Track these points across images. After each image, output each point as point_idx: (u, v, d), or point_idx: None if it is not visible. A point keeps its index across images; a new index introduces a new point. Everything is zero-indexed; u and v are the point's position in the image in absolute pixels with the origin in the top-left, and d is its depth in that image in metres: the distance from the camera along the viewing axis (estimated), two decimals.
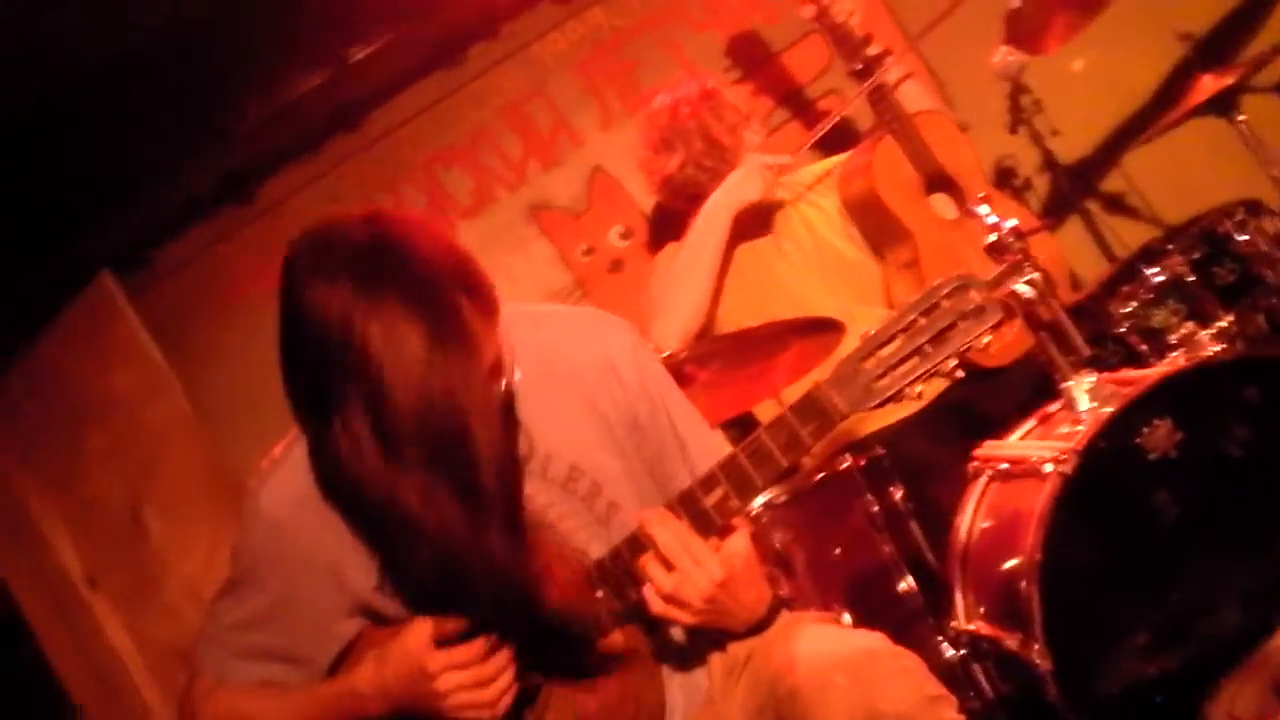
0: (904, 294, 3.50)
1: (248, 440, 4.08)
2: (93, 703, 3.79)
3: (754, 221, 3.65)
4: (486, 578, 1.91)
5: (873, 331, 1.96)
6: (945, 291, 1.95)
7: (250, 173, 4.08)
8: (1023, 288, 2.53)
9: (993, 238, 2.58)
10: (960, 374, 1.99)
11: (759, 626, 2.11)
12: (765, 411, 3.51)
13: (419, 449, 1.83)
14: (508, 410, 2.01)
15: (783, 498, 2.99)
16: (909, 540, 3.06)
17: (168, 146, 3.91)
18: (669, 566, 1.96)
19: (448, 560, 1.89)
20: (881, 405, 1.97)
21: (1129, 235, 4.11)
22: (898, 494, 3.09)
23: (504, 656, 2.03)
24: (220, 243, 4.21)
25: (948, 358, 1.94)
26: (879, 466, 3.10)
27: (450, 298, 1.86)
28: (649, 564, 1.97)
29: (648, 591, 1.98)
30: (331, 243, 1.89)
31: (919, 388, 1.96)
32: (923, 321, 1.94)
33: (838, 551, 3.03)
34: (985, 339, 1.95)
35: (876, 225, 3.61)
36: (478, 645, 2.01)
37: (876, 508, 3.02)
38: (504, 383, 1.97)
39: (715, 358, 2.99)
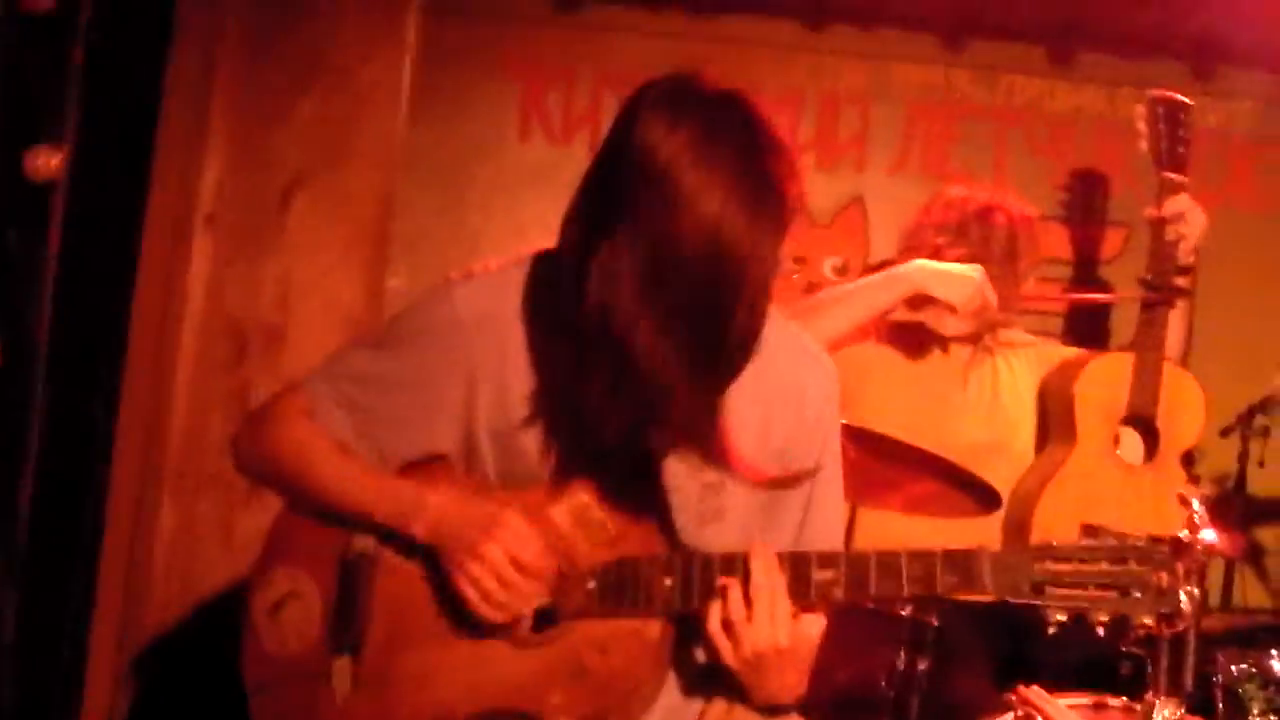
0: (1028, 484, 3.45)
1: (424, 202, 4.17)
2: (141, 343, 3.78)
3: (942, 357, 3.62)
4: (683, 426, 1.94)
5: (1057, 543, 1.95)
6: (1142, 554, 1.94)
7: None
8: (1183, 597, 2.48)
9: (1184, 533, 2.51)
10: (1101, 631, 1.97)
11: (776, 710, 2.08)
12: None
13: (675, 301, 1.84)
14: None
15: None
16: (906, 710, 3.01)
17: None
18: (747, 603, 1.94)
19: (649, 394, 1.89)
20: (1020, 608, 1.95)
21: (1250, 594, 4.02)
22: (923, 666, 3.04)
23: (542, 588, 2.03)
24: (522, 22, 4.23)
25: (1104, 609, 1.93)
26: (925, 633, 3.04)
27: (777, 172, 1.86)
28: (730, 588, 1.96)
29: (713, 609, 1.97)
30: (688, 88, 1.90)
31: (1061, 616, 1.94)
32: (1105, 565, 1.93)
33: (841, 676, 2.98)
34: (1147, 619, 1.93)
35: (1055, 417, 3.55)
36: (540, 564, 2.02)
37: (901, 665, 2.97)
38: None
39: (866, 446, 2.93)
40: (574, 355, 1.93)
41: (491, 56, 4.26)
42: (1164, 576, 1.93)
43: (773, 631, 1.94)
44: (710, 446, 1.96)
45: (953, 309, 3.36)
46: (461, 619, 2.06)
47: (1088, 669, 3.05)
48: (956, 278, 3.36)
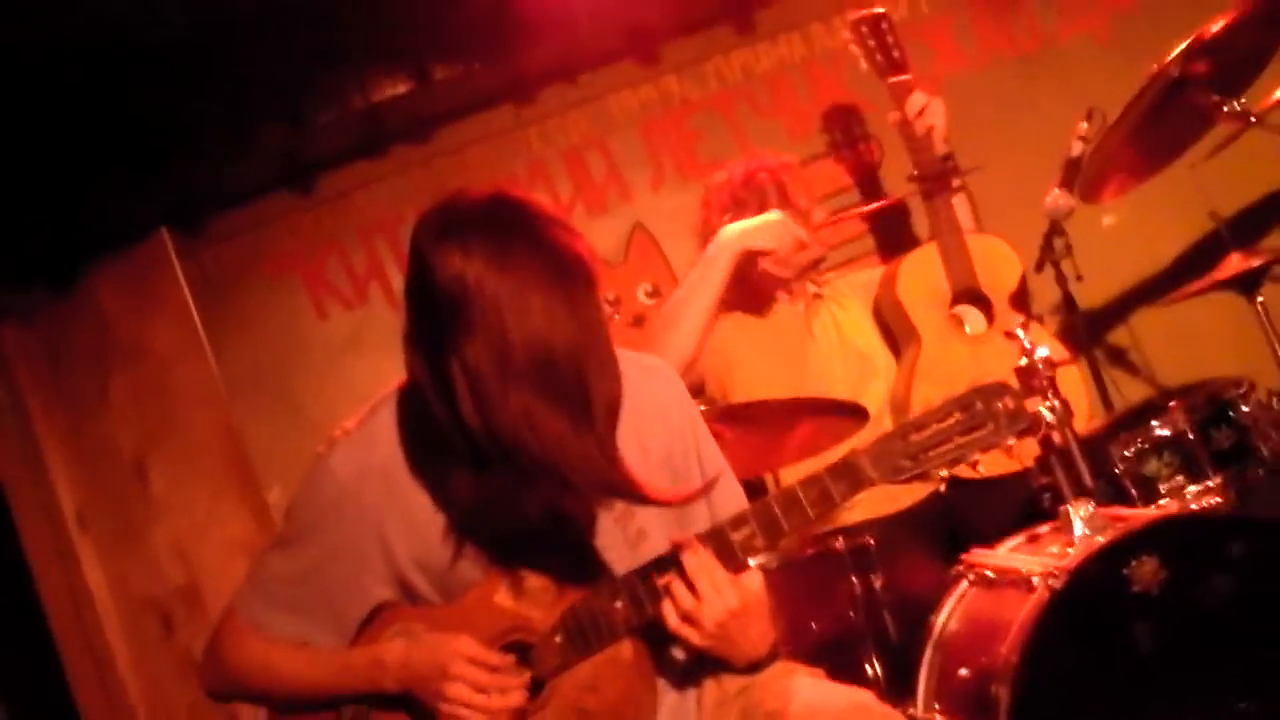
0: (897, 390, 3.69)
1: (266, 416, 4.28)
2: (69, 643, 3.88)
3: (789, 308, 3.86)
4: (594, 483, 2.07)
5: (912, 418, 2.17)
6: (984, 393, 2.16)
7: (315, 163, 4.26)
8: (1045, 412, 2.73)
9: (1024, 361, 2.77)
10: (981, 470, 2.18)
11: (758, 663, 2.27)
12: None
13: (536, 388, 1.97)
14: None
15: (774, 564, 3.12)
16: (881, 627, 3.21)
17: (242, 121, 4.10)
18: (691, 589, 2.12)
19: (555, 471, 2.01)
20: (907, 481, 2.16)
21: (1126, 389, 4.29)
22: (878, 582, 3.24)
23: (515, 700, 2.20)
24: (274, 223, 4.41)
25: (974, 449, 2.15)
26: (866, 553, 3.24)
27: (566, 241, 2.04)
28: (673, 583, 2.14)
29: (666, 608, 2.14)
30: (457, 207, 2.07)
31: (942, 471, 2.14)
32: (958, 416, 2.15)
33: (814, 625, 3.18)
34: (1010, 441, 2.15)
35: (895, 323, 3.82)
36: (502, 681, 2.19)
37: (859, 591, 3.17)
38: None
39: (740, 421, 3.14)
40: (468, 467, 2.08)
41: (261, 265, 4.44)
42: (1008, 401, 2.15)
43: (721, 600, 2.12)
44: (624, 489, 2.12)
45: (772, 253, 3.63)
46: None
47: (1019, 520, 3.28)
48: (761, 226, 3.64)
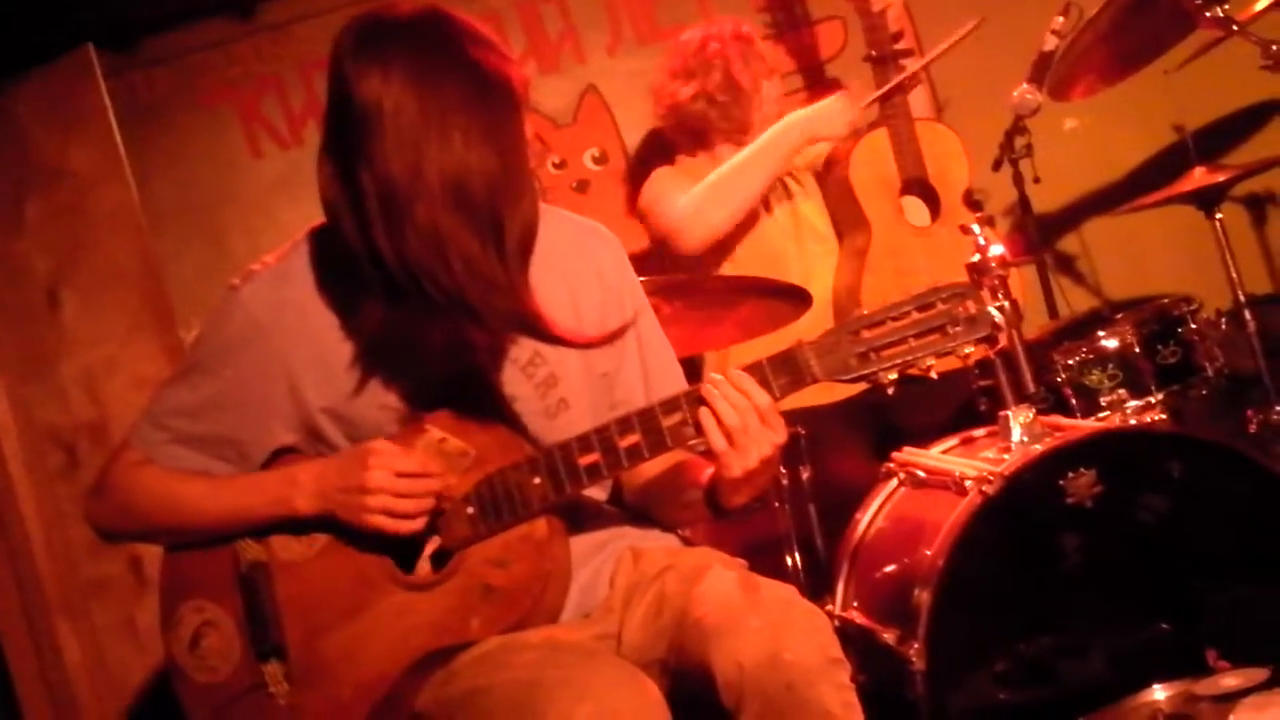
0: (845, 279, 3.60)
1: (189, 253, 4.15)
2: None
3: None
4: (501, 313, 2.00)
5: (865, 311, 2.03)
6: (945, 294, 2.02)
7: None
8: (994, 312, 2.63)
9: (977, 258, 2.67)
10: (934, 375, 2.06)
11: (745, 507, 2.21)
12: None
13: (447, 208, 1.93)
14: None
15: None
16: (804, 520, 3.16)
17: None
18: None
19: (461, 297, 1.96)
20: (853, 382, 2.04)
21: (1072, 297, 4.23)
22: (805, 474, 3.19)
23: (435, 485, 2.10)
24: (210, 49, 4.21)
25: (929, 355, 2.02)
26: (795, 444, 3.18)
27: (494, 64, 1.97)
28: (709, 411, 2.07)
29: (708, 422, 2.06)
30: (383, 20, 1.97)
31: (892, 375, 2.03)
32: (916, 315, 2.02)
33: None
34: (969, 349, 2.03)
35: (843, 209, 3.71)
36: (420, 465, 2.09)
37: (785, 481, 3.10)
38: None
39: (680, 295, 3.03)
40: (379, 297, 2.00)
41: (194, 93, 4.25)
42: (970, 304, 2.01)
43: (769, 435, 2.06)
44: (531, 322, 2.04)
45: (834, 138, 3.61)
46: (364, 587, 2.14)
47: (954, 420, 3.22)
48: (826, 114, 3.59)
